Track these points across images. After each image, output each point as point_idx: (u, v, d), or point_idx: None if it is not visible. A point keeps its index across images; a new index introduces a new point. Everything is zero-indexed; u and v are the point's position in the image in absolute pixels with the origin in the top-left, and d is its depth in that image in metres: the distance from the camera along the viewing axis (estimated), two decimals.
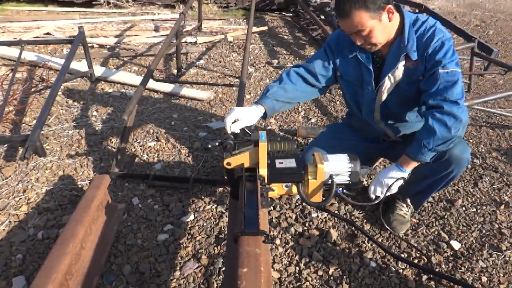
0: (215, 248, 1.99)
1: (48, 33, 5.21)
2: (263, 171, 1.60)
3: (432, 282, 1.85)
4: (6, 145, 2.70)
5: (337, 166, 1.66)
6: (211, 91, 3.85)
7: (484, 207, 2.38)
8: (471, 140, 3.19)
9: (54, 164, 2.56)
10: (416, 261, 1.98)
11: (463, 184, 2.59)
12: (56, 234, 2.01)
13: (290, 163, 1.68)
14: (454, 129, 1.64)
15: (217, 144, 1.63)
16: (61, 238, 1.57)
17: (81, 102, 3.47)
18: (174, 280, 1.81)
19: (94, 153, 2.72)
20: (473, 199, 2.45)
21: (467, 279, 1.89)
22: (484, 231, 2.19)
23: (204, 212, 2.23)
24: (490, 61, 4.04)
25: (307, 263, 1.94)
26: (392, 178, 1.81)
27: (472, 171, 2.74)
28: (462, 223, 2.25)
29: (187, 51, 4.94)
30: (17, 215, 2.13)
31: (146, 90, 3.73)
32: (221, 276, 1.83)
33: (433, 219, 2.26)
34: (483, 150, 3.04)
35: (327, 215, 2.24)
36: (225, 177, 2.43)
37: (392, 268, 1.93)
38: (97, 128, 3.05)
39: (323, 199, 1.68)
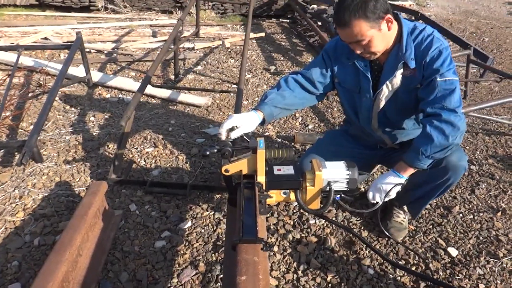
0: (213, 255, 1.99)
1: (45, 38, 5.20)
2: (261, 178, 1.60)
3: None
4: (2, 150, 2.69)
5: (335, 173, 1.66)
6: (209, 97, 3.85)
7: (481, 214, 2.39)
8: (467, 147, 3.20)
9: (51, 170, 2.55)
10: (414, 268, 1.98)
11: (460, 191, 2.60)
12: (53, 240, 2.00)
13: (288, 170, 1.68)
14: (451, 137, 1.65)
15: (215, 151, 1.63)
16: (58, 245, 1.56)
17: (79, 108, 3.47)
18: (172, 287, 1.80)
19: (91, 159, 2.71)
20: (470, 206, 2.46)
21: (465, 286, 1.89)
22: (481, 238, 2.20)
23: (202, 219, 2.23)
24: (486, 68, 4.07)
25: (305, 270, 1.93)
26: (390, 184, 1.81)
27: (469, 178, 2.75)
28: (459, 230, 2.25)
29: (184, 56, 4.95)
30: (13, 221, 2.12)
31: (143, 96, 3.73)
32: (218, 284, 1.83)
33: (431, 226, 2.27)
34: (479, 157, 3.05)
35: (325, 222, 2.24)
36: (223, 184, 2.43)
37: (390, 275, 1.93)
38: (94, 134, 3.04)
39: (321, 206, 1.68)
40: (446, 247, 2.11)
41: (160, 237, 2.09)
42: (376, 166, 2.60)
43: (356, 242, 2.11)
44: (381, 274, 1.94)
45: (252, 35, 5.95)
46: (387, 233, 2.12)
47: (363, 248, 2.08)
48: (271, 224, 2.21)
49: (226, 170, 1.63)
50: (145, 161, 2.75)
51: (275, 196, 1.70)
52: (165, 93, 3.80)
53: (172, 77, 4.34)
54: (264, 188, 1.61)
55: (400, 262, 2.01)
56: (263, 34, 6.24)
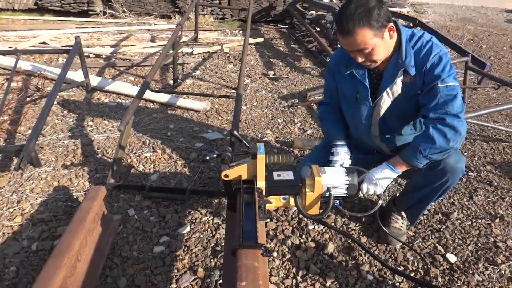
0: (212, 260, 1.98)
1: (43, 43, 5.20)
2: (261, 184, 1.60)
3: None
4: (0, 155, 2.68)
5: (334, 179, 1.66)
6: (207, 101, 3.86)
7: (479, 220, 2.39)
8: (465, 153, 3.21)
9: (49, 174, 2.54)
10: (412, 274, 1.98)
11: (458, 197, 2.60)
12: (51, 245, 1.99)
13: (288, 175, 1.69)
14: (452, 141, 1.66)
15: (215, 156, 1.63)
16: (57, 250, 1.55)
17: (77, 112, 3.46)
18: None
19: (89, 163, 2.70)
20: (468, 212, 2.46)
21: None
22: (479, 245, 2.20)
23: (201, 224, 2.22)
24: (484, 75, 4.09)
25: (304, 276, 1.93)
26: (386, 179, 1.81)
27: (467, 184, 2.76)
28: (457, 236, 2.25)
29: (183, 61, 4.96)
30: (11, 226, 2.11)
31: (142, 100, 3.73)
32: None
33: (429, 232, 2.27)
34: (477, 164, 3.06)
35: (324, 228, 2.24)
36: (222, 189, 2.43)
37: (389, 281, 1.93)
38: (92, 138, 3.03)
39: (321, 211, 1.68)
40: (445, 253, 2.11)
41: (158, 242, 2.08)
42: None
43: (355, 248, 2.11)
44: (380, 280, 1.94)
45: (250, 40, 5.97)
46: (389, 234, 2.11)
47: (362, 254, 2.08)
48: (270, 229, 2.21)
49: (226, 175, 1.63)
50: (143, 165, 2.74)
51: (275, 202, 1.70)
52: (164, 97, 3.80)
53: (171, 81, 4.34)
54: (263, 193, 1.61)
55: (399, 268, 2.01)
56: (261, 39, 6.26)
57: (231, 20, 7.37)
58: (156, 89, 4.04)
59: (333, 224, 2.30)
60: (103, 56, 5.00)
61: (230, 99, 3.89)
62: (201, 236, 2.14)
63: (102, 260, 1.87)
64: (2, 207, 2.24)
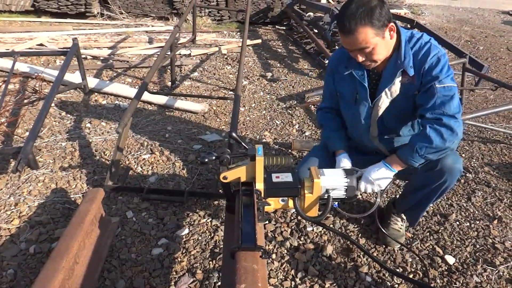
0: (210, 262, 1.98)
1: (41, 44, 5.19)
2: (259, 185, 1.60)
3: None
4: None
5: (333, 181, 1.67)
6: (205, 103, 3.85)
7: (478, 222, 2.39)
8: (463, 155, 3.22)
9: (46, 176, 2.53)
10: (411, 276, 1.98)
11: (456, 199, 2.61)
12: (49, 248, 1.98)
13: (287, 177, 1.69)
14: (449, 141, 1.67)
15: (213, 158, 1.63)
16: (55, 252, 1.54)
17: (75, 114, 3.45)
18: None
19: (87, 165, 2.70)
20: (467, 214, 2.47)
21: None
22: (478, 246, 2.20)
23: (199, 226, 2.22)
24: (481, 76, 4.10)
25: (303, 278, 1.93)
26: (383, 179, 1.81)
27: (465, 186, 2.77)
28: (456, 237, 2.26)
29: (181, 63, 4.96)
30: (8, 229, 2.10)
31: (140, 102, 3.72)
32: None
33: (428, 234, 2.27)
34: (475, 165, 3.07)
35: (323, 229, 2.24)
36: (221, 191, 2.42)
37: (388, 283, 1.93)
38: (90, 140, 3.03)
39: (319, 213, 1.68)
40: (443, 255, 2.12)
41: (157, 244, 2.08)
42: None
43: (354, 250, 2.11)
44: (379, 281, 1.94)
45: (248, 42, 5.98)
46: (388, 235, 2.11)
47: (361, 256, 2.08)
48: (269, 231, 2.21)
49: (225, 177, 1.63)
50: (141, 167, 2.74)
51: (273, 203, 1.70)
52: (161, 99, 3.80)
53: (169, 83, 4.34)
54: (262, 195, 1.61)
55: (397, 270, 2.01)
56: (259, 41, 6.27)
57: (229, 22, 7.37)
58: (154, 90, 4.04)
59: (331, 225, 2.30)
60: (101, 58, 5.00)
61: (228, 101, 3.89)
62: (200, 238, 2.13)
63: (101, 263, 1.87)
64: None
